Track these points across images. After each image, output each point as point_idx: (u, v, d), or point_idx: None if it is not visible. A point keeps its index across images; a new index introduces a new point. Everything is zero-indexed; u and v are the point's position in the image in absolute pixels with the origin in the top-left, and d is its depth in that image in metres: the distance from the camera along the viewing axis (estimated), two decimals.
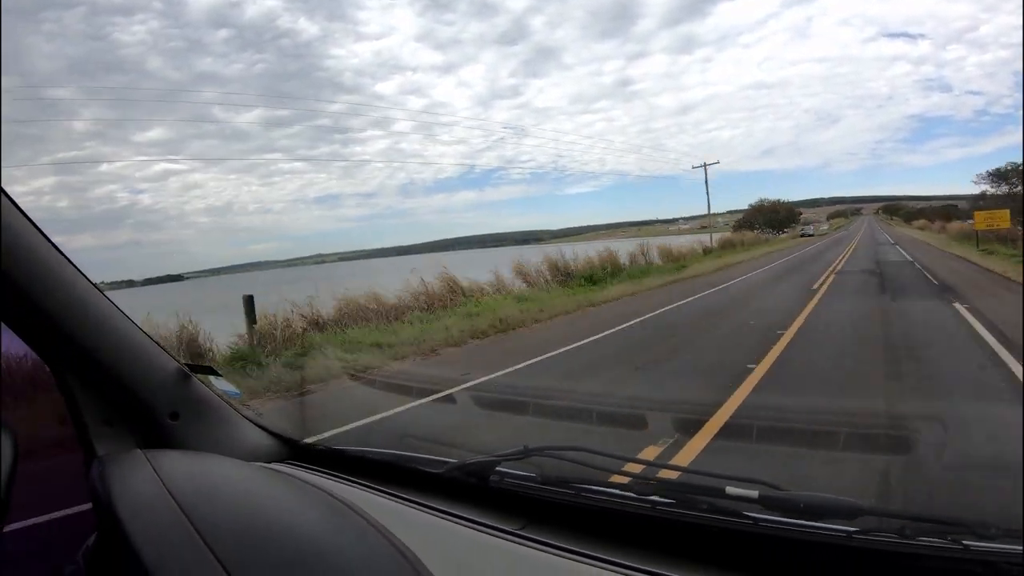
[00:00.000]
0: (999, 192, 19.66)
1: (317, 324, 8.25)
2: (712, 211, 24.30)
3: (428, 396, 4.76)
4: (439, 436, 3.12)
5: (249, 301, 7.33)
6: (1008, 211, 16.08)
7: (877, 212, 26.37)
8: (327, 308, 8.65)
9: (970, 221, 18.81)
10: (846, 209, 26.43)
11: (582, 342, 6.97)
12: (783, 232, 25.86)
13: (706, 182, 22.55)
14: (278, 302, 7.97)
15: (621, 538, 0.85)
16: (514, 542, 0.87)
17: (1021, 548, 0.69)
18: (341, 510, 0.93)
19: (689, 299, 10.39)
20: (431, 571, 0.75)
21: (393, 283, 10.15)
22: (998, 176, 19.85)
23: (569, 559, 0.81)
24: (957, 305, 7.32)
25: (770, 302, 9.44)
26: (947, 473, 2.13)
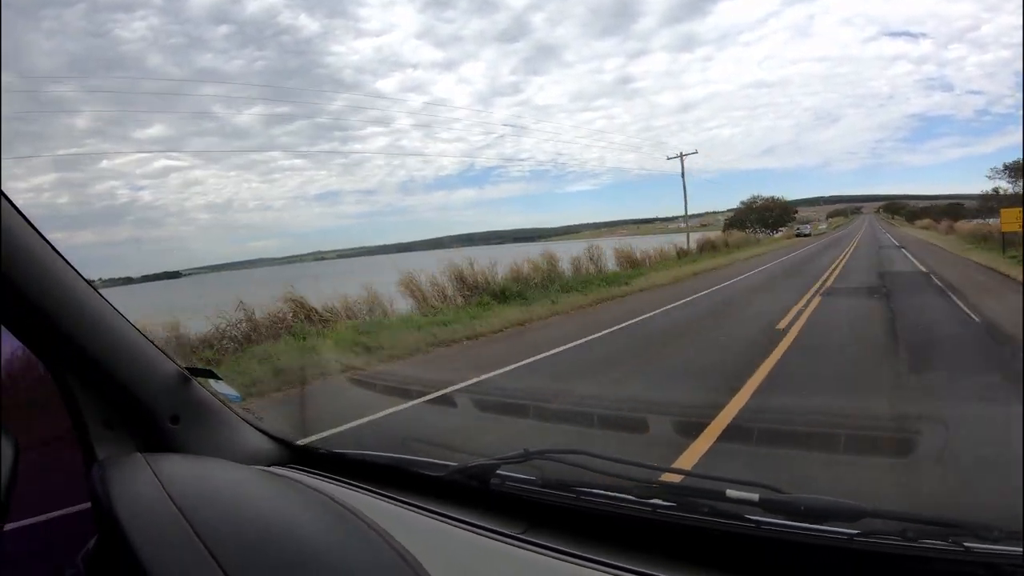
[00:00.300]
0: (1017, 189, 16.95)
1: None
2: (712, 210, 23.85)
3: None
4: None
5: None
6: None
7: (878, 211, 26.24)
8: None
9: (979, 220, 17.41)
10: (846, 208, 26.35)
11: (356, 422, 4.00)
12: (778, 231, 24.55)
13: (683, 175, 20.63)
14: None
15: (622, 542, 0.85)
16: (515, 546, 0.87)
17: (1022, 550, 0.69)
18: (341, 514, 0.92)
19: (566, 347, 6.41)
20: (432, 574, 0.74)
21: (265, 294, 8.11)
22: (1015, 171, 17.18)
23: (570, 563, 0.81)
24: None
25: (695, 360, 5.47)
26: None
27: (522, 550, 0.86)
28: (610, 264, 15.02)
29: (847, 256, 15.41)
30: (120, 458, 1.07)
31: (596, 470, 1.00)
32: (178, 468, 1.05)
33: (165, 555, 0.78)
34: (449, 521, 0.96)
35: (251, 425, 1.29)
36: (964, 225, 19.06)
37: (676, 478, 1.07)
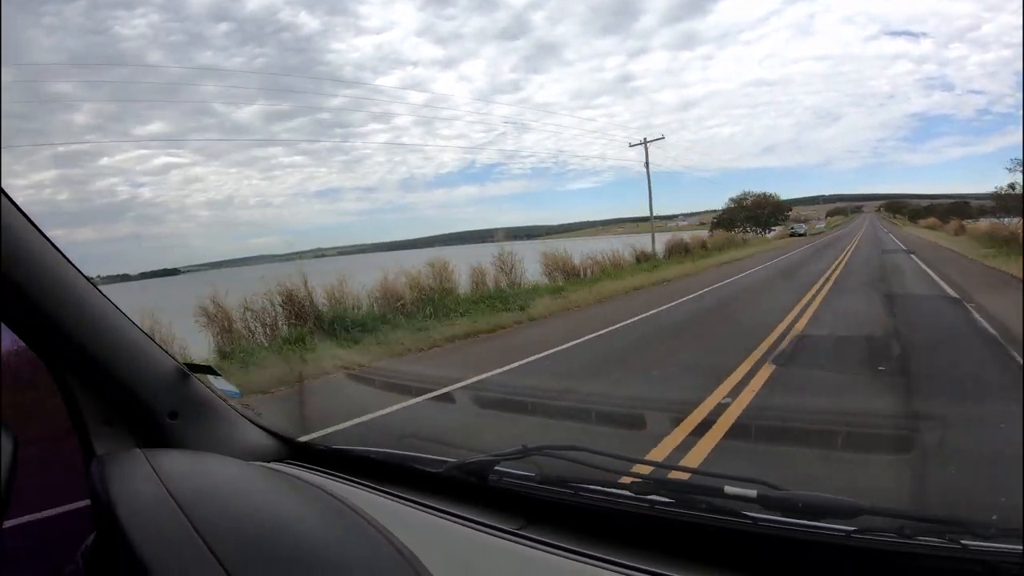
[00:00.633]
0: None
1: None
2: (710, 208, 22.99)
3: None
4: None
5: None
6: None
7: (878, 209, 26.09)
8: None
9: (990, 219, 15.70)
10: (846, 207, 26.27)
11: None
12: (770, 231, 22.96)
13: (647, 165, 17.97)
14: None
15: (620, 537, 0.85)
16: (513, 541, 0.87)
17: (1020, 548, 0.69)
18: (340, 510, 0.93)
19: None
20: (430, 571, 0.75)
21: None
22: None
23: (568, 559, 0.81)
24: None
25: None
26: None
27: (520, 546, 0.86)
28: (533, 274, 11.85)
29: (843, 263, 12.30)
30: (119, 454, 1.07)
31: (594, 466, 1.01)
32: (177, 464, 1.05)
33: (164, 551, 0.78)
34: (447, 517, 0.96)
35: (250, 421, 1.29)
36: (977, 226, 16.72)
37: (674, 474, 1.08)
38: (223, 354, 7.05)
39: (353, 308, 8.59)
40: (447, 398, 4.44)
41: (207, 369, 1.30)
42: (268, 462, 1.23)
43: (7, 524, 0.89)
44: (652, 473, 1.11)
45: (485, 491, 1.03)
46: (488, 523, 0.92)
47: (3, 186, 0.95)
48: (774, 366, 4.44)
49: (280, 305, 8.06)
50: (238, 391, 1.32)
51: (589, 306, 9.79)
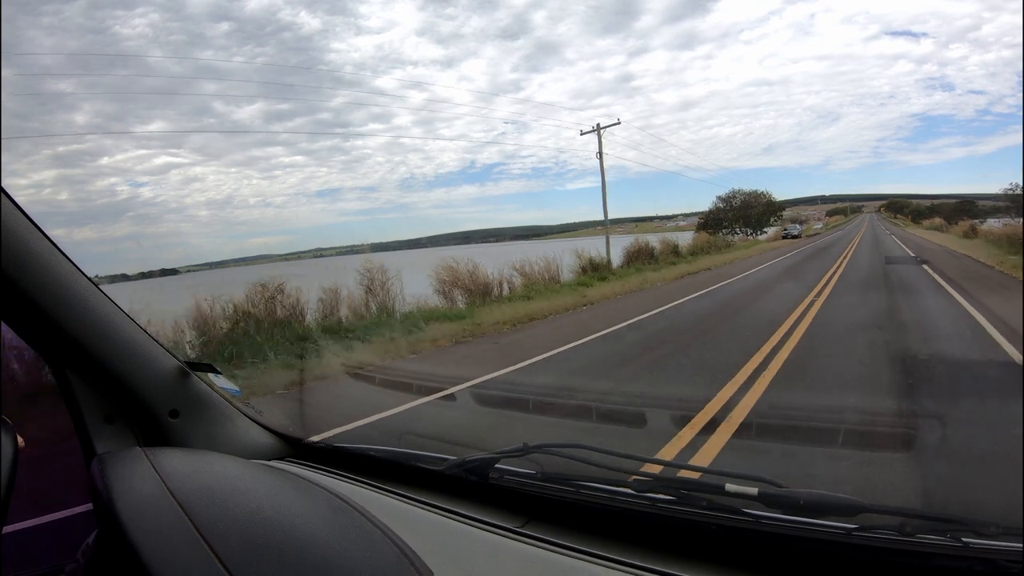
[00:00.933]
0: None
1: None
2: (708, 209, 23.26)
3: None
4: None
5: None
6: None
7: (879, 209, 26.02)
8: None
9: (1004, 220, 14.19)
10: (846, 207, 26.23)
11: None
12: (762, 232, 21.25)
13: (600, 155, 15.60)
14: None
15: (621, 535, 0.85)
16: (515, 539, 0.87)
17: (1021, 546, 0.69)
18: (341, 508, 0.93)
19: None
20: (432, 568, 0.75)
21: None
22: None
23: (570, 556, 0.81)
24: None
25: None
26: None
27: (522, 543, 0.86)
28: (423, 291, 9.22)
29: (835, 276, 9.51)
30: (120, 452, 1.07)
31: (595, 464, 1.01)
32: (178, 462, 1.05)
33: (164, 549, 0.78)
34: (449, 515, 0.96)
35: (251, 419, 1.29)
36: (999, 229, 14.39)
37: (675, 472, 1.08)
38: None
39: None
40: None
41: (208, 367, 1.30)
42: (269, 460, 1.23)
43: (8, 524, 0.89)
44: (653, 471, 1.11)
45: (486, 489, 1.02)
46: (489, 521, 0.92)
47: (3, 186, 0.95)
48: None
49: None
50: (239, 389, 1.32)
51: (449, 346, 6.56)
